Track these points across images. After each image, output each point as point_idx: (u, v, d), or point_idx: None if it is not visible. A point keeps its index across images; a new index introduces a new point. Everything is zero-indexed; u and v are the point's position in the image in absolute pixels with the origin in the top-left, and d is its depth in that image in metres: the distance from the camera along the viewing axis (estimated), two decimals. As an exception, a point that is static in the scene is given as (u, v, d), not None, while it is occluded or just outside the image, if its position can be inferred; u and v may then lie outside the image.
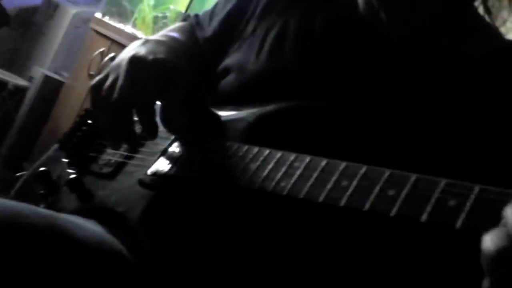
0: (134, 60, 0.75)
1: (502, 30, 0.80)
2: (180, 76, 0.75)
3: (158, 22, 2.68)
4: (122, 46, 2.51)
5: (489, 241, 0.41)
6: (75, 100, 2.72)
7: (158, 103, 0.76)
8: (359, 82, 0.74)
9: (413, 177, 0.53)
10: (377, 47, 0.76)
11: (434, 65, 0.73)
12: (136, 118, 0.76)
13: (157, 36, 0.87)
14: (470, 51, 0.74)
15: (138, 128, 0.78)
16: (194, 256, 0.72)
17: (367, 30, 0.78)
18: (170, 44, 0.84)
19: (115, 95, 0.73)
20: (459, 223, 0.48)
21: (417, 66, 0.73)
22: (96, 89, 0.76)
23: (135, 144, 0.78)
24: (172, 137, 0.78)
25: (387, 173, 0.55)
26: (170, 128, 0.76)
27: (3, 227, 0.59)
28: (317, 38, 0.80)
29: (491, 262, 0.41)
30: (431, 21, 0.76)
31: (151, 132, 0.75)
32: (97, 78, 0.78)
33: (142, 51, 0.77)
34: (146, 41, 0.81)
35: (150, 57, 0.75)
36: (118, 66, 0.76)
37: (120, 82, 0.74)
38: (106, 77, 0.77)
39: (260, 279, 0.69)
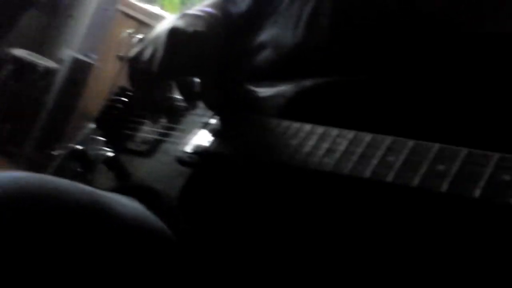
0: (174, 32, 0.74)
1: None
2: (218, 50, 0.74)
3: (185, 3, 2.67)
4: (150, 27, 2.50)
5: None
6: (104, 82, 2.72)
7: None
8: (398, 57, 0.72)
9: (464, 151, 0.51)
10: (414, 20, 0.74)
11: (463, 41, 0.70)
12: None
13: (194, 10, 0.86)
14: (493, 28, 0.71)
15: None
16: (232, 236, 0.71)
17: (405, 4, 0.75)
18: (208, 19, 0.82)
19: (155, 67, 0.72)
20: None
21: (448, 41, 0.71)
22: (134, 62, 0.75)
23: (175, 116, 0.77)
24: (210, 113, 0.77)
25: (436, 147, 0.53)
26: (206, 103, 0.75)
27: (48, 201, 0.59)
28: (355, 12, 0.78)
29: None
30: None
31: (191, 103, 0.74)
32: (134, 50, 0.77)
33: (181, 23, 0.76)
34: (184, 15, 0.81)
35: (190, 29, 0.74)
36: (157, 38, 0.75)
37: (159, 54, 0.73)
38: (143, 50, 0.76)
39: (302, 258, 0.68)
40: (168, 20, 0.81)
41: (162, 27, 0.78)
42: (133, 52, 0.77)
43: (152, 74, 0.72)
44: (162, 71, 0.72)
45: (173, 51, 0.73)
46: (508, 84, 0.67)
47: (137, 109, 0.83)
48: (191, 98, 0.74)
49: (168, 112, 0.76)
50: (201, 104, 0.75)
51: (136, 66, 0.75)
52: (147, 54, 0.75)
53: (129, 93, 0.89)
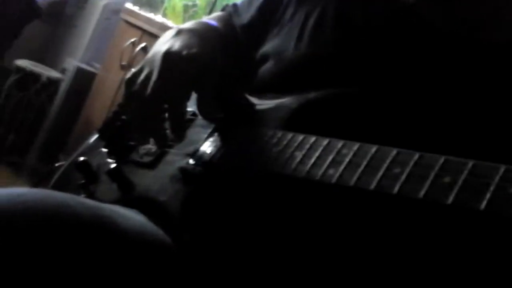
0: (168, 55, 0.74)
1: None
2: (214, 68, 0.74)
3: (188, 11, 2.68)
4: (153, 36, 2.51)
5: None
6: (107, 91, 2.73)
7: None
8: (400, 68, 0.72)
9: (470, 163, 0.51)
10: (417, 32, 0.73)
11: (469, 51, 0.70)
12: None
13: (192, 24, 0.86)
14: (499, 36, 0.71)
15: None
16: (234, 247, 0.70)
17: (407, 15, 0.75)
18: (204, 33, 0.82)
19: (149, 90, 0.72)
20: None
21: (455, 51, 0.71)
22: (130, 82, 0.75)
23: (163, 141, 0.76)
24: (213, 126, 0.77)
25: (441, 159, 0.53)
26: (206, 118, 0.75)
27: (49, 217, 0.59)
28: (358, 23, 0.77)
29: None
30: (461, 5, 0.73)
31: (178, 133, 0.74)
32: (132, 71, 0.77)
33: (175, 45, 0.76)
34: (179, 32, 0.80)
35: (184, 52, 0.74)
36: (153, 60, 0.75)
37: (154, 77, 0.73)
38: (140, 71, 0.76)
39: (304, 270, 0.68)
40: (165, 37, 0.81)
41: (159, 46, 0.78)
42: (129, 73, 0.77)
43: (145, 97, 0.72)
44: (154, 95, 0.72)
45: (165, 75, 0.73)
46: (507, 93, 0.67)
47: (132, 131, 0.82)
48: (180, 124, 0.74)
49: (157, 134, 0.75)
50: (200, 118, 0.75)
51: (131, 87, 0.75)
52: (142, 75, 0.75)
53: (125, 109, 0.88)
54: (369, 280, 0.65)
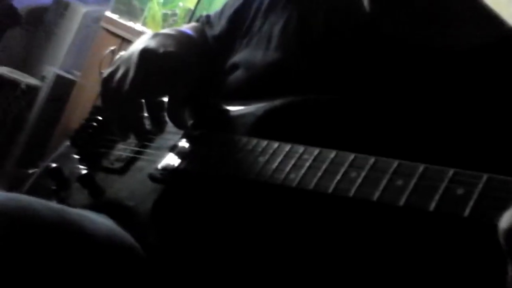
0: (145, 52, 0.76)
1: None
2: (188, 70, 0.76)
3: (167, 20, 2.69)
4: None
5: (505, 220, 0.42)
6: (87, 98, 2.73)
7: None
8: (362, 76, 0.74)
9: (421, 167, 0.54)
10: (376, 40, 0.76)
11: (427, 59, 0.73)
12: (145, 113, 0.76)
13: (168, 30, 0.88)
14: (460, 45, 0.74)
15: (147, 124, 0.79)
16: (202, 251, 0.72)
17: (368, 23, 0.78)
18: (180, 38, 0.85)
19: (126, 87, 0.74)
20: (467, 212, 0.48)
21: (412, 60, 0.73)
22: (106, 81, 0.77)
23: (143, 136, 0.78)
24: (182, 132, 0.79)
25: (395, 163, 0.55)
26: (174, 123, 0.77)
27: (14, 220, 0.60)
28: (320, 32, 0.80)
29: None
30: (419, 15, 0.75)
31: (158, 126, 0.76)
32: (108, 70, 0.79)
33: (152, 43, 0.78)
34: (156, 35, 0.83)
35: (161, 49, 0.76)
36: (129, 58, 0.77)
37: (130, 74, 0.75)
38: (116, 70, 0.78)
39: (269, 273, 0.70)
40: (141, 39, 0.83)
41: (135, 47, 0.80)
42: (106, 71, 0.79)
43: (123, 94, 0.74)
44: (132, 91, 0.74)
45: (142, 71, 0.75)
46: (463, 99, 0.70)
47: (109, 128, 0.84)
48: (159, 117, 0.76)
49: (137, 129, 0.78)
50: (171, 124, 0.77)
51: (108, 86, 0.77)
52: (119, 73, 0.77)
53: (102, 111, 0.90)
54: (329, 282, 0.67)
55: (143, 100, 0.77)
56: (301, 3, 0.84)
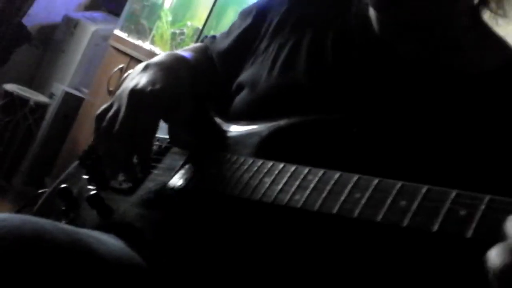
0: (133, 93, 0.78)
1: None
2: (180, 100, 0.77)
3: (175, 39, 2.71)
4: (141, 62, 2.53)
5: (494, 256, 0.42)
6: (94, 116, 2.75)
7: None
8: (369, 97, 0.75)
9: (424, 188, 0.54)
10: (386, 62, 0.77)
11: (438, 81, 0.74)
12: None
13: (161, 56, 0.89)
14: (470, 68, 0.75)
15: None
16: (209, 270, 0.73)
17: (377, 45, 0.79)
18: (171, 66, 0.85)
19: (116, 126, 0.75)
20: (469, 233, 0.49)
21: (422, 82, 0.74)
22: (99, 118, 0.79)
23: (132, 176, 0.79)
24: (188, 153, 0.80)
25: (398, 184, 0.56)
26: (178, 146, 0.78)
27: (26, 242, 0.61)
28: (328, 54, 0.81)
29: (498, 278, 0.41)
30: (432, 38, 0.76)
31: (145, 166, 0.77)
32: (102, 108, 0.80)
33: (141, 81, 0.79)
34: (147, 67, 0.84)
35: (148, 88, 0.78)
36: (121, 96, 0.79)
37: (121, 114, 0.76)
38: (109, 107, 0.80)
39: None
40: (133, 73, 0.85)
41: (127, 83, 0.82)
42: (100, 109, 0.80)
43: (114, 133, 0.76)
44: (122, 131, 0.76)
45: (131, 111, 0.76)
46: (474, 120, 0.70)
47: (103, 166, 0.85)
48: (147, 158, 0.77)
49: (126, 169, 0.79)
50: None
51: (100, 123, 0.79)
52: (111, 112, 0.78)
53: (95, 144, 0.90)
54: None
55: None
56: (311, 25, 0.85)
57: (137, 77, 0.81)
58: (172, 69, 0.85)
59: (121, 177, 0.85)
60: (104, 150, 0.78)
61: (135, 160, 0.78)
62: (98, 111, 0.81)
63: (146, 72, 0.82)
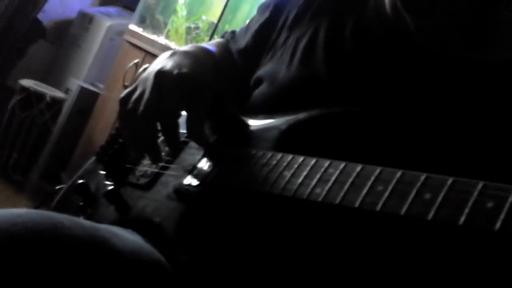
0: (160, 74, 0.77)
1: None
2: (205, 88, 0.76)
3: (190, 33, 2.71)
4: (156, 57, 2.53)
5: None
6: (110, 111, 2.76)
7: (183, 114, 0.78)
8: (389, 88, 0.74)
9: (449, 180, 0.53)
10: (405, 52, 0.75)
11: (457, 71, 0.72)
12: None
13: (187, 47, 0.89)
14: (490, 58, 0.73)
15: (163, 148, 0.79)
16: (229, 265, 0.72)
17: (396, 34, 0.77)
18: (198, 55, 0.85)
19: (141, 108, 0.75)
20: (497, 225, 0.47)
21: (441, 71, 0.72)
22: (124, 101, 0.78)
23: (158, 157, 0.79)
24: (206, 147, 0.79)
25: (423, 176, 0.55)
26: (194, 139, 0.77)
27: (46, 237, 0.60)
28: (347, 45, 0.80)
29: None
30: (451, 28, 0.74)
31: (173, 147, 0.77)
32: (126, 90, 0.80)
33: (168, 64, 0.78)
34: (174, 53, 0.83)
35: (175, 71, 0.77)
36: (146, 79, 0.78)
37: (146, 95, 0.75)
38: (134, 90, 0.79)
39: (298, 285, 0.69)
40: (160, 58, 0.84)
41: (153, 67, 0.81)
42: (124, 92, 0.80)
43: (139, 114, 0.75)
44: (147, 113, 0.75)
45: (157, 93, 0.75)
46: (503, 112, 0.69)
47: (127, 148, 0.85)
48: (175, 139, 0.77)
49: (152, 151, 0.78)
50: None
51: (125, 106, 0.78)
52: (136, 94, 0.78)
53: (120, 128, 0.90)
54: None
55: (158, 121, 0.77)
56: (329, 16, 0.84)
57: (163, 61, 0.81)
58: (199, 58, 0.84)
59: (138, 172, 0.85)
60: (128, 132, 0.78)
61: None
62: (122, 94, 0.80)
63: (173, 58, 0.82)
